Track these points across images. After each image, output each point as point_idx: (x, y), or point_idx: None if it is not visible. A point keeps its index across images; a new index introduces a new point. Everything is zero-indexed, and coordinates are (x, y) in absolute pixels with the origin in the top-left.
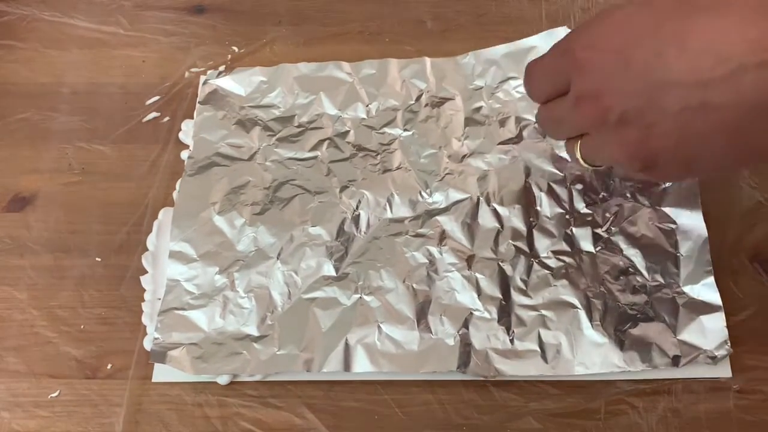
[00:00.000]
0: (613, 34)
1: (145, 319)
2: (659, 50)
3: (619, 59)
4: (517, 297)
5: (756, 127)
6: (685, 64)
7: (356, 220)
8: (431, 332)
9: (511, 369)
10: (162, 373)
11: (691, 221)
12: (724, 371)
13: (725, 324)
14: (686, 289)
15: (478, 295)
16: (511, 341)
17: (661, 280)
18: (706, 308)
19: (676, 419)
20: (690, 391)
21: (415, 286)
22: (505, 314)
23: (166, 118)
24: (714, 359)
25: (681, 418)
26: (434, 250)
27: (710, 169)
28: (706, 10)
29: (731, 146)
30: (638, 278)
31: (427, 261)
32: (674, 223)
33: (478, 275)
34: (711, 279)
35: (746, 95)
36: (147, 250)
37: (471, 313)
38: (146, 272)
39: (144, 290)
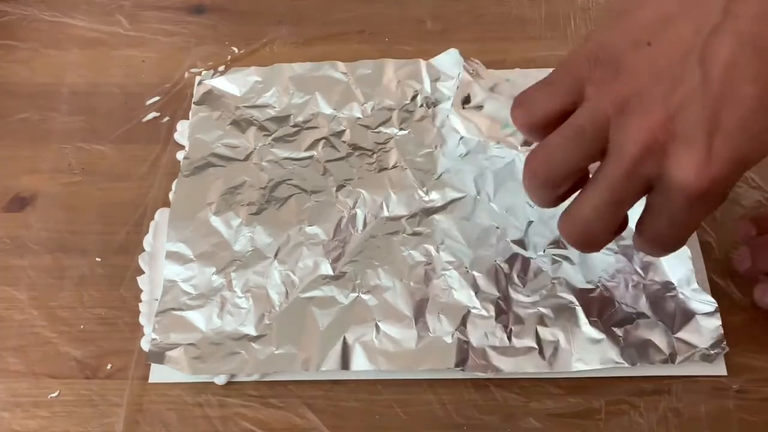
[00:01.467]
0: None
1: (142, 320)
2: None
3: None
4: (514, 294)
5: None
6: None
7: (353, 219)
8: (429, 330)
9: (509, 366)
10: (159, 374)
11: None
12: (719, 369)
13: (720, 323)
14: (681, 289)
15: (476, 293)
16: (509, 339)
17: (657, 279)
18: (702, 308)
19: (676, 419)
20: (690, 391)
21: (412, 284)
22: (503, 312)
23: (166, 119)
24: (709, 357)
25: (681, 418)
26: (431, 248)
27: None
28: None
29: None
30: (634, 277)
31: (424, 259)
32: None
33: (475, 273)
34: (705, 280)
35: None
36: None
37: (468, 311)
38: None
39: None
